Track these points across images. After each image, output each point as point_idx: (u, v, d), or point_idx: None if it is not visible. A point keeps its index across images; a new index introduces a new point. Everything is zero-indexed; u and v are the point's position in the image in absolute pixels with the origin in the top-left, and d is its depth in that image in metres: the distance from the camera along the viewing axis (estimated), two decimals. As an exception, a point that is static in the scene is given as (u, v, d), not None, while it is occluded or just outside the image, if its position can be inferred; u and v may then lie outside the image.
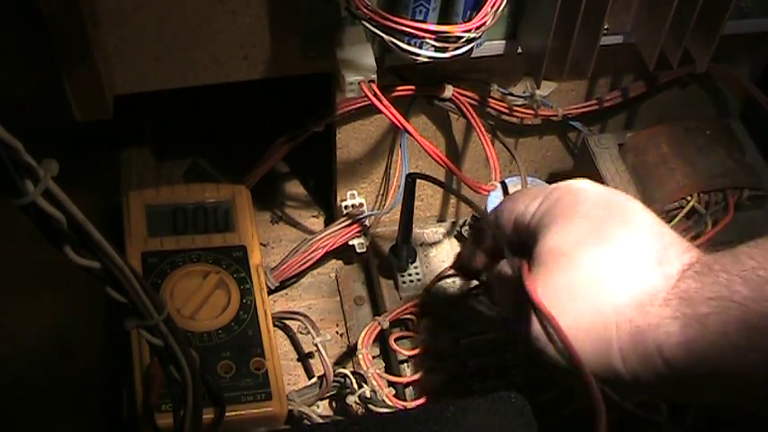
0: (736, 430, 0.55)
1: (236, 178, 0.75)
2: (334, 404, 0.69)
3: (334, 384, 0.67)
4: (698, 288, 0.41)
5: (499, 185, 0.72)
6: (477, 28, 0.56)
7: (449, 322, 0.69)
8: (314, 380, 0.68)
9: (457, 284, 0.71)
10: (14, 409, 0.42)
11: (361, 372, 0.66)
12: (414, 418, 0.46)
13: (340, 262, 0.79)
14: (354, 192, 0.74)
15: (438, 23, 0.58)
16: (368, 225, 0.74)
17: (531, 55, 0.64)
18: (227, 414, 0.51)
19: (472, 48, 0.58)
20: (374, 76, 0.59)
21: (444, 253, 0.77)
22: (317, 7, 0.59)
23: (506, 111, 0.72)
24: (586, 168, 0.73)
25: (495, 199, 0.71)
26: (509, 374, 0.67)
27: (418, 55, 0.56)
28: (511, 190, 0.71)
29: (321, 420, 0.65)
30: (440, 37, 0.55)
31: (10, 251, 0.42)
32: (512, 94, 0.71)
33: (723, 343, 0.39)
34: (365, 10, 0.54)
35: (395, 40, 0.55)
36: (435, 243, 0.78)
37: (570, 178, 0.49)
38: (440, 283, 0.71)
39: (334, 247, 0.73)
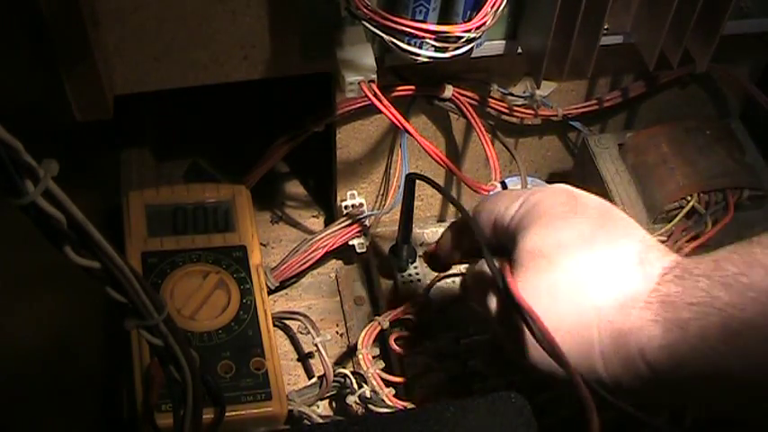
0: (735, 431, 0.55)
1: (236, 178, 0.75)
2: (334, 404, 0.69)
3: (334, 384, 0.67)
4: (679, 292, 0.41)
5: (499, 185, 0.72)
6: (477, 28, 0.56)
7: (449, 322, 0.69)
8: (314, 380, 0.68)
9: (457, 284, 0.71)
10: (14, 409, 0.42)
11: (361, 372, 0.66)
12: (414, 418, 0.46)
13: (340, 262, 0.79)
14: (354, 192, 0.74)
15: (438, 23, 0.58)
16: (368, 225, 0.74)
17: (531, 55, 0.64)
18: (227, 414, 0.51)
19: (472, 48, 0.58)
20: (374, 76, 0.59)
21: (444, 253, 0.77)
22: (317, 7, 0.59)
23: (506, 111, 0.72)
24: (586, 168, 0.73)
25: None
26: (509, 374, 0.67)
27: (418, 55, 0.56)
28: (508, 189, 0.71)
29: (321, 420, 0.65)
30: (440, 37, 0.55)
31: (10, 251, 0.42)
32: (512, 94, 0.71)
33: (704, 348, 0.39)
34: (365, 10, 0.54)
35: (395, 40, 0.55)
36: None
37: (570, 178, 0.50)
38: (440, 283, 0.71)
39: (334, 247, 0.73)
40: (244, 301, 0.66)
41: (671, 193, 0.69)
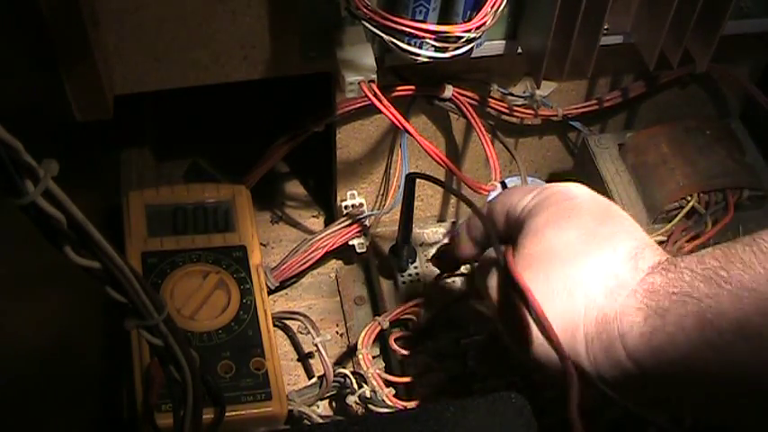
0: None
1: (236, 178, 0.75)
2: (334, 404, 0.69)
3: (334, 384, 0.67)
4: (663, 283, 0.42)
5: (499, 185, 0.72)
6: (477, 28, 0.56)
7: (449, 322, 0.69)
8: (314, 380, 0.68)
9: (457, 284, 0.72)
10: (14, 409, 0.42)
11: (361, 372, 0.66)
12: (414, 418, 0.46)
13: (340, 262, 0.79)
14: (354, 192, 0.74)
15: (438, 23, 0.58)
16: (368, 225, 0.74)
17: (531, 55, 0.64)
18: (227, 414, 0.51)
19: (472, 48, 0.58)
20: (374, 76, 0.59)
21: (444, 253, 0.78)
22: (317, 7, 0.59)
23: (506, 111, 0.72)
24: (586, 168, 0.73)
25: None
26: (509, 374, 0.67)
27: (418, 55, 0.56)
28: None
29: (321, 420, 0.65)
30: (440, 37, 0.55)
31: (10, 251, 0.42)
32: (512, 94, 0.71)
33: (680, 337, 0.40)
34: (365, 10, 0.54)
35: (395, 40, 0.55)
36: (435, 243, 0.78)
37: (570, 178, 0.51)
38: (440, 283, 0.71)
39: (334, 247, 0.73)
40: (244, 301, 0.66)
41: (671, 193, 0.69)
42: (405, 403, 0.65)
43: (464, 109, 0.70)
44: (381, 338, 0.70)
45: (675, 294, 0.41)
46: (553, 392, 0.62)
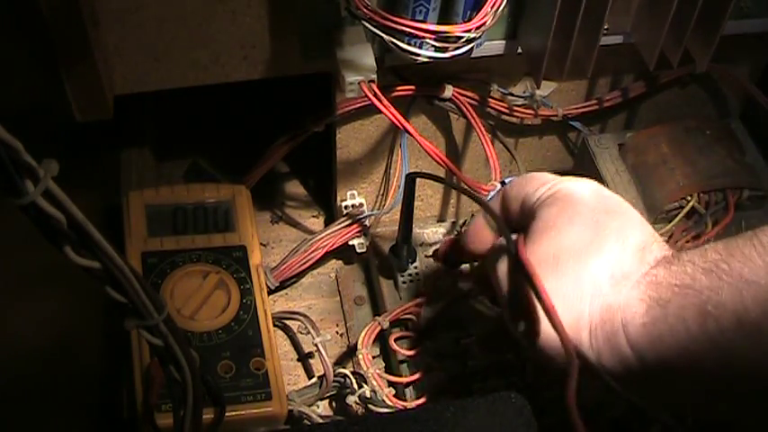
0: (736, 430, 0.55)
1: (236, 178, 0.75)
2: (334, 404, 0.69)
3: (334, 384, 0.67)
4: (666, 275, 0.43)
5: (499, 185, 0.72)
6: (477, 28, 0.56)
7: (449, 322, 0.69)
8: (314, 380, 0.68)
9: (457, 284, 0.71)
10: (14, 409, 0.42)
11: (361, 372, 0.66)
12: (414, 418, 0.46)
13: (340, 262, 0.79)
14: (354, 192, 0.74)
15: (438, 23, 0.58)
16: (368, 225, 0.74)
17: (531, 55, 0.64)
18: (227, 414, 0.51)
19: (472, 48, 0.58)
20: (374, 76, 0.59)
21: (444, 253, 0.77)
22: (317, 7, 0.59)
23: (506, 111, 0.72)
24: (586, 168, 0.73)
25: (495, 199, 0.71)
26: (509, 374, 0.67)
27: (418, 55, 0.56)
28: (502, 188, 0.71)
29: (321, 420, 0.65)
30: (440, 37, 0.55)
31: (10, 251, 0.42)
32: (512, 94, 0.71)
33: (680, 328, 0.41)
34: (365, 10, 0.54)
35: (395, 40, 0.55)
36: (435, 243, 0.78)
37: (563, 178, 0.50)
38: (440, 282, 0.71)
39: (334, 247, 0.73)
40: (244, 301, 0.66)
41: (671, 193, 0.69)
42: (405, 403, 0.65)
43: (464, 109, 0.70)
44: (381, 338, 0.70)
45: (677, 286, 0.42)
46: (553, 393, 0.62)
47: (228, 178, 0.77)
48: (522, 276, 0.45)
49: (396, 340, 0.69)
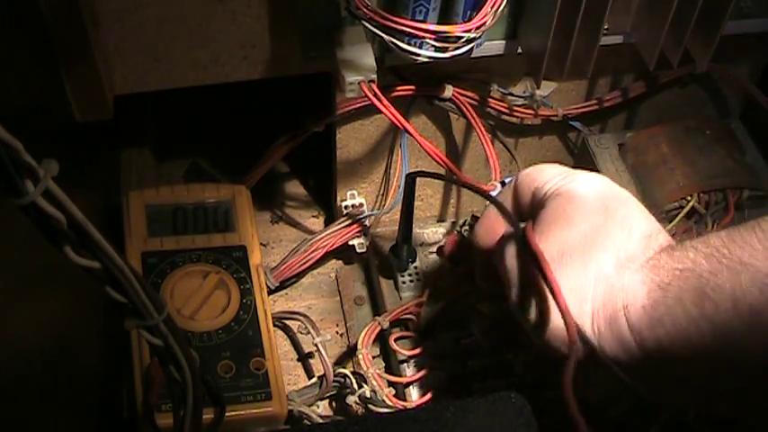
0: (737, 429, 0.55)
1: (236, 178, 0.75)
2: (334, 404, 0.69)
3: (334, 384, 0.67)
4: (668, 259, 0.44)
5: (499, 185, 0.72)
6: (477, 28, 0.56)
7: (449, 322, 0.69)
8: (314, 380, 0.68)
9: (457, 284, 0.71)
10: (14, 409, 0.42)
11: (361, 372, 0.66)
12: (414, 418, 0.46)
13: (340, 262, 0.79)
14: (354, 192, 0.74)
15: (438, 23, 0.58)
16: (368, 225, 0.74)
17: (531, 55, 0.64)
18: (227, 414, 0.51)
19: (472, 48, 0.58)
20: (374, 76, 0.59)
21: (444, 253, 0.77)
22: (317, 7, 0.59)
23: (506, 111, 0.72)
24: (586, 168, 0.72)
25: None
26: (509, 374, 0.67)
27: (418, 55, 0.56)
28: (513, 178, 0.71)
29: (321, 420, 0.65)
30: (440, 37, 0.55)
31: (10, 251, 0.42)
32: (512, 94, 0.71)
33: (679, 310, 0.41)
34: (365, 10, 0.54)
35: (395, 40, 0.55)
36: (435, 243, 0.78)
37: (575, 171, 0.51)
38: (440, 283, 0.71)
39: (334, 247, 0.73)
40: (244, 301, 0.66)
41: (671, 193, 0.69)
42: (405, 403, 0.66)
43: (464, 109, 0.70)
44: (381, 338, 0.70)
45: (679, 270, 0.42)
46: (553, 393, 0.62)
47: (228, 178, 0.77)
48: (530, 262, 0.46)
49: (396, 340, 0.69)
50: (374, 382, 0.65)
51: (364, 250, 0.75)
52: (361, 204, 0.74)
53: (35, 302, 0.47)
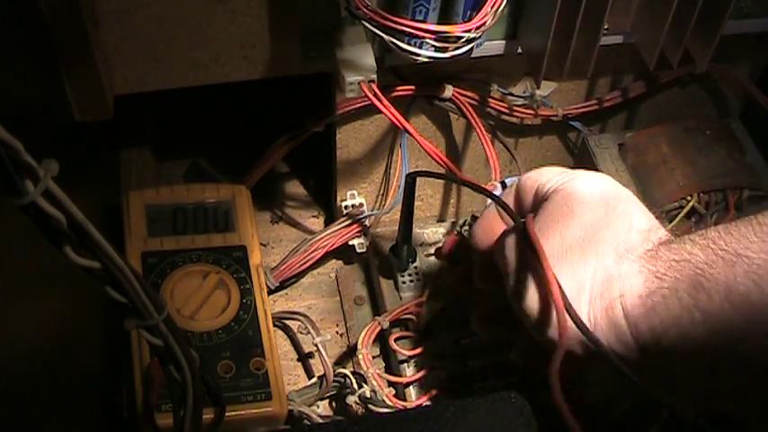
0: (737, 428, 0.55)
1: (236, 178, 0.75)
2: (334, 404, 0.69)
3: (334, 384, 0.67)
4: (666, 251, 0.44)
5: (499, 185, 0.72)
6: (477, 28, 0.56)
7: (449, 322, 0.69)
8: (314, 380, 0.68)
9: (457, 284, 0.71)
10: (14, 409, 0.42)
11: (361, 372, 0.66)
12: (414, 418, 0.46)
13: (340, 262, 0.79)
14: (354, 192, 0.74)
15: (438, 23, 0.58)
16: (368, 225, 0.74)
17: (531, 55, 0.64)
18: (227, 414, 0.51)
19: (472, 48, 0.58)
20: (374, 76, 0.59)
21: (444, 253, 0.77)
22: (317, 7, 0.59)
23: (506, 111, 0.72)
24: (586, 168, 0.73)
25: (495, 199, 0.71)
26: (509, 374, 0.67)
27: (418, 55, 0.56)
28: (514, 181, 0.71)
29: (321, 420, 0.65)
30: (440, 37, 0.55)
31: (10, 251, 0.42)
32: (512, 94, 0.71)
33: (673, 299, 0.42)
34: (365, 10, 0.54)
35: (395, 40, 0.55)
36: (435, 243, 0.78)
37: (576, 170, 0.51)
38: (440, 282, 0.71)
39: (334, 247, 0.73)
40: (244, 301, 0.66)
41: (671, 193, 0.69)
42: (405, 403, 0.65)
43: (464, 109, 0.70)
44: (381, 338, 0.70)
45: (675, 261, 0.43)
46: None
47: (228, 178, 0.77)
48: (529, 253, 0.46)
49: (396, 340, 0.69)
50: (374, 382, 0.65)
51: (364, 250, 0.75)
52: (361, 204, 0.74)
53: (35, 302, 0.47)
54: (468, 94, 0.70)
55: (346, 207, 0.74)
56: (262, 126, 0.74)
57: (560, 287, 0.44)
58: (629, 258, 0.45)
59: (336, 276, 0.78)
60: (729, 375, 0.42)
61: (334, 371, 0.67)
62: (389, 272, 0.75)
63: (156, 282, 0.65)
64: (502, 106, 0.72)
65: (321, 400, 0.67)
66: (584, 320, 0.45)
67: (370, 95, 0.59)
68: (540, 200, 0.51)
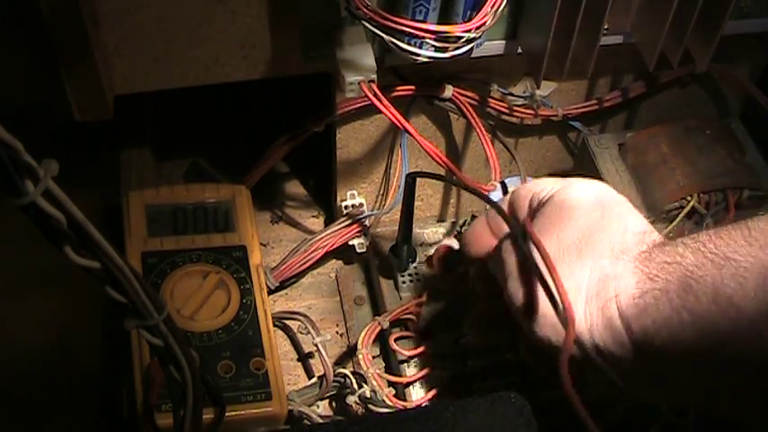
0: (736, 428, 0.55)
1: (236, 178, 0.75)
2: (334, 404, 0.69)
3: (334, 384, 0.67)
4: (659, 253, 0.45)
5: (499, 185, 0.72)
6: (477, 28, 0.56)
7: (449, 322, 0.69)
8: (314, 380, 0.68)
9: (457, 284, 0.71)
10: (14, 409, 0.42)
11: (361, 372, 0.66)
12: (414, 418, 0.46)
13: (340, 262, 0.79)
14: (354, 192, 0.74)
15: (438, 23, 0.58)
16: (368, 225, 0.74)
17: (531, 55, 0.64)
18: (227, 414, 0.51)
19: (472, 48, 0.58)
20: (374, 76, 0.59)
21: (444, 253, 0.77)
22: (317, 7, 0.59)
23: (506, 111, 0.72)
24: (586, 168, 0.73)
25: (495, 199, 0.71)
26: (509, 374, 0.67)
27: (418, 55, 0.56)
28: (511, 190, 0.71)
29: (321, 420, 0.65)
30: (440, 37, 0.55)
31: (10, 251, 0.42)
32: (512, 94, 0.71)
33: (664, 300, 0.43)
34: (365, 10, 0.54)
35: (395, 40, 0.55)
36: (435, 243, 0.78)
37: (570, 178, 0.51)
38: (440, 283, 0.71)
39: (334, 247, 0.73)
40: (244, 301, 0.66)
41: (671, 193, 0.68)
42: (405, 403, 0.65)
43: (464, 109, 0.70)
44: (381, 338, 0.70)
45: (667, 263, 0.44)
46: (553, 392, 0.62)
47: (228, 178, 0.77)
48: (529, 254, 0.46)
49: (396, 340, 0.69)
50: (374, 382, 0.65)
51: (364, 250, 0.75)
52: (361, 204, 0.74)
53: (35, 302, 0.47)
54: (468, 94, 0.70)
55: (346, 207, 0.74)
56: (262, 126, 0.74)
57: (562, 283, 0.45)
58: (624, 259, 0.46)
59: (336, 276, 0.78)
60: (720, 376, 0.43)
61: (334, 371, 0.67)
62: (389, 272, 0.75)
63: (156, 282, 0.65)
64: (502, 106, 0.72)
65: (321, 400, 0.67)
66: (581, 319, 0.45)
67: (370, 95, 0.59)
68: (536, 207, 0.51)
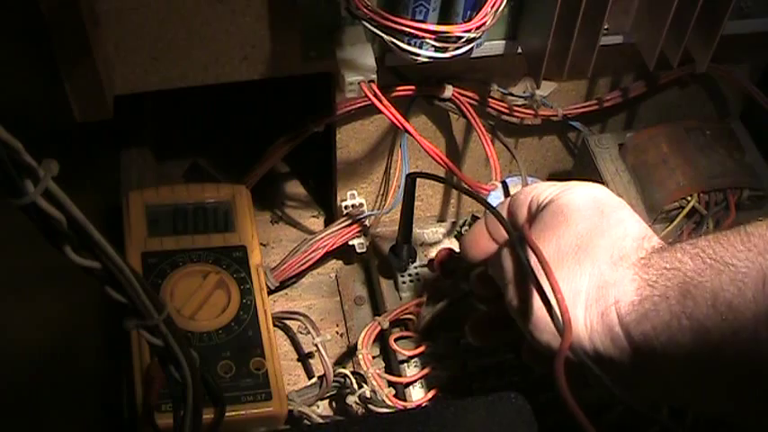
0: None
1: (236, 178, 0.75)
2: (334, 404, 0.69)
3: (335, 384, 0.67)
4: (658, 259, 0.45)
5: (499, 185, 0.72)
6: (477, 28, 0.56)
7: (449, 322, 0.69)
8: (314, 380, 0.68)
9: (457, 285, 0.71)
10: (15, 409, 0.42)
11: (361, 372, 0.66)
12: (414, 418, 0.46)
13: (340, 262, 0.79)
14: (354, 192, 0.74)
15: (438, 23, 0.58)
16: (368, 225, 0.74)
17: (531, 55, 0.64)
18: (227, 414, 0.51)
19: (472, 48, 0.58)
20: (374, 76, 0.59)
21: (444, 253, 0.77)
22: (317, 7, 0.59)
23: (506, 111, 0.72)
24: (586, 168, 0.73)
25: (495, 199, 0.71)
26: (509, 374, 0.67)
27: (418, 55, 0.56)
28: (511, 190, 0.71)
29: (321, 420, 0.65)
30: (440, 37, 0.55)
31: (10, 251, 0.42)
32: (512, 94, 0.71)
33: (663, 305, 0.43)
34: (365, 10, 0.54)
35: (395, 40, 0.55)
36: (435, 243, 0.78)
37: (570, 178, 0.52)
38: (439, 283, 0.71)
39: (334, 247, 0.73)
40: (244, 301, 0.66)
41: (671, 193, 0.68)
42: (405, 403, 0.65)
43: (464, 109, 0.70)
44: (381, 338, 0.70)
45: (666, 269, 0.44)
46: (553, 393, 0.62)
47: (228, 178, 0.77)
48: (527, 259, 0.47)
49: (396, 340, 0.69)
50: (374, 382, 0.65)
51: (364, 250, 0.75)
52: (361, 204, 0.74)
53: (35, 302, 0.47)
54: (468, 94, 0.70)
55: (346, 207, 0.74)
56: (262, 126, 0.74)
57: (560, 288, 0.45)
58: (623, 266, 0.46)
59: (336, 276, 0.78)
60: (721, 379, 0.43)
61: (334, 371, 0.67)
62: (389, 272, 0.75)
63: (156, 282, 0.65)
64: (502, 106, 0.72)
65: (321, 400, 0.67)
66: (581, 325, 0.45)
67: (370, 95, 0.59)
68: (535, 212, 0.51)
